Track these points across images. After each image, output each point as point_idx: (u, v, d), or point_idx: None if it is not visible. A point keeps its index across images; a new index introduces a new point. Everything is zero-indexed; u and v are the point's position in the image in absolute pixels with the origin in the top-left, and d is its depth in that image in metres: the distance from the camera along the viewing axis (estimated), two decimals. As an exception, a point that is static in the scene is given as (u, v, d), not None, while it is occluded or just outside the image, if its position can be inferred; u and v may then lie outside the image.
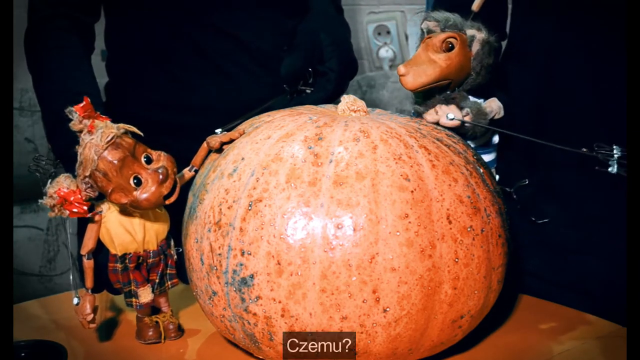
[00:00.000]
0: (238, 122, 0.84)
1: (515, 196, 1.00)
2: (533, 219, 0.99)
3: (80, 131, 0.73)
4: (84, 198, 0.74)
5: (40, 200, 0.73)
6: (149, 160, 0.75)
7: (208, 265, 0.73)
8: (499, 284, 0.77)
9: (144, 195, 0.73)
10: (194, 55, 1.12)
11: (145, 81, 1.15)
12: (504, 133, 0.86)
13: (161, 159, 0.75)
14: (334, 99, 1.10)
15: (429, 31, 0.86)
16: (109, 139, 0.72)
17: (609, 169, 0.73)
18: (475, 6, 0.86)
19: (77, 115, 0.72)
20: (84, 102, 0.72)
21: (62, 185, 0.73)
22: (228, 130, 0.81)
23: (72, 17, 1.07)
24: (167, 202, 0.75)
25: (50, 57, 1.05)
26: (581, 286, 0.98)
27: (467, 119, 0.83)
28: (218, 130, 0.81)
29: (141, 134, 0.75)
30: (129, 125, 0.75)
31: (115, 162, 0.72)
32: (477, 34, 0.85)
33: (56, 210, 0.73)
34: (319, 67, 1.09)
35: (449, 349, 0.78)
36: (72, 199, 0.73)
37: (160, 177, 0.73)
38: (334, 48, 1.09)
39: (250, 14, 1.12)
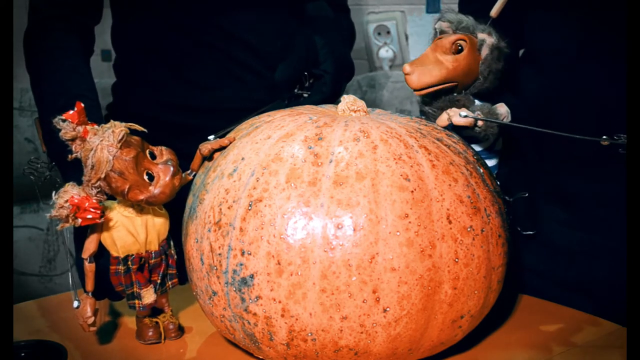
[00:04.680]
0: (232, 127, 0.84)
1: (512, 203, 0.99)
2: (518, 229, 0.98)
3: (73, 139, 0.72)
4: (96, 200, 0.73)
5: (47, 214, 0.72)
6: (152, 156, 0.75)
7: (208, 265, 0.73)
8: (499, 284, 0.77)
9: (159, 189, 0.74)
10: (202, 56, 1.12)
11: (153, 82, 1.15)
12: (518, 127, 0.83)
13: (164, 153, 0.76)
14: (332, 101, 1.10)
15: (442, 32, 0.85)
16: (120, 137, 0.72)
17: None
18: (493, 12, 0.85)
19: (68, 122, 0.71)
20: (77, 108, 0.72)
21: (71, 193, 0.71)
22: (222, 137, 0.81)
23: (72, 19, 1.07)
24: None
25: (49, 58, 1.05)
26: (581, 286, 0.98)
27: (479, 123, 0.82)
28: (211, 137, 0.81)
29: (145, 130, 0.76)
30: (131, 123, 0.75)
31: (131, 159, 0.72)
32: (487, 39, 0.83)
33: (70, 220, 0.71)
34: (314, 70, 1.09)
35: (449, 349, 0.78)
36: (86, 205, 0.71)
37: (172, 169, 0.74)
38: (328, 50, 1.09)
39: (257, 16, 1.12)
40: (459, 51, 0.82)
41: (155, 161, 0.75)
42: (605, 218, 0.96)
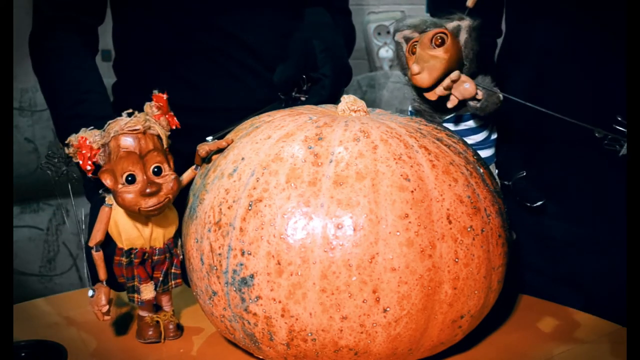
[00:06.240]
0: (232, 127, 0.84)
1: (512, 188, 1.00)
2: (528, 204, 0.99)
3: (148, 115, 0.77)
4: (94, 160, 0.75)
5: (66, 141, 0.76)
6: (159, 171, 0.75)
7: (208, 265, 0.73)
8: (499, 284, 0.77)
9: (124, 195, 0.74)
10: (201, 56, 1.12)
11: (152, 82, 1.14)
12: (517, 102, 0.84)
13: (167, 180, 0.75)
14: None
15: (408, 39, 0.86)
16: (130, 128, 0.74)
17: (618, 148, 0.73)
18: (470, 2, 0.86)
19: (152, 102, 0.78)
20: (163, 96, 0.78)
21: (86, 137, 0.75)
22: (219, 138, 0.81)
23: (75, 19, 1.08)
24: (146, 212, 0.75)
25: (57, 57, 1.06)
26: (581, 285, 0.98)
27: (479, 94, 0.83)
28: (209, 138, 0.81)
29: (166, 146, 0.77)
30: (163, 132, 0.77)
31: (123, 151, 0.74)
32: (462, 23, 0.85)
33: (71, 151, 0.75)
34: (313, 74, 1.09)
35: (449, 349, 0.78)
36: (83, 151, 0.74)
37: (147, 190, 0.74)
38: (327, 54, 1.09)
39: (257, 16, 1.12)
40: (441, 43, 0.83)
41: (153, 177, 0.75)
42: (605, 214, 0.96)
